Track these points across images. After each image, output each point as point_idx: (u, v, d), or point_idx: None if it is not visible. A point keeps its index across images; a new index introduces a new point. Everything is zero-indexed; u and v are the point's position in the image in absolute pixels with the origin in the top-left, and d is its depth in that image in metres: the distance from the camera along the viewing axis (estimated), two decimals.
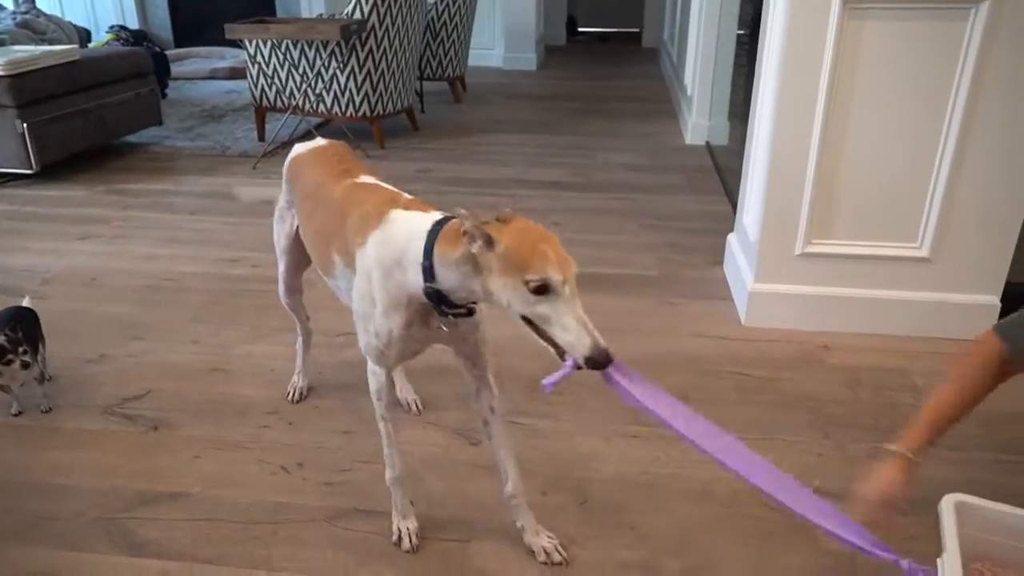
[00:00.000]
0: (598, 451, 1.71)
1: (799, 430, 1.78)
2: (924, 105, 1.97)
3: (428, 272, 1.13)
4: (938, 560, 1.01)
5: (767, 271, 2.21)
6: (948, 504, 1.09)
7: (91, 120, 3.88)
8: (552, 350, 1.08)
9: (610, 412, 1.84)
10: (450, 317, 1.19)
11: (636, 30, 9.54)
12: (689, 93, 4.58)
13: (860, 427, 1.78)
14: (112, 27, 7.06)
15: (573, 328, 1.03)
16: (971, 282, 2.14)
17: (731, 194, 3.39)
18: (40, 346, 1.90)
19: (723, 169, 3.82)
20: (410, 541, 1.42)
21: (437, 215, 1.19)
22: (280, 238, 1.75)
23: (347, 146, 1.66)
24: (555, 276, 1.02)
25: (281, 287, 1.82)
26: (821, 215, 2.11)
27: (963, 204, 2.04)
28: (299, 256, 1.72)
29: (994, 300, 2.14)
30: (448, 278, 1.12)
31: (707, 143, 4.36)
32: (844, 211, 2.10)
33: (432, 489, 1.59)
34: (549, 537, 1.41)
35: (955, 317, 2.15)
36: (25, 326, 1.83)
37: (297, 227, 1.66)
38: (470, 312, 1.22)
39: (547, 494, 1.56)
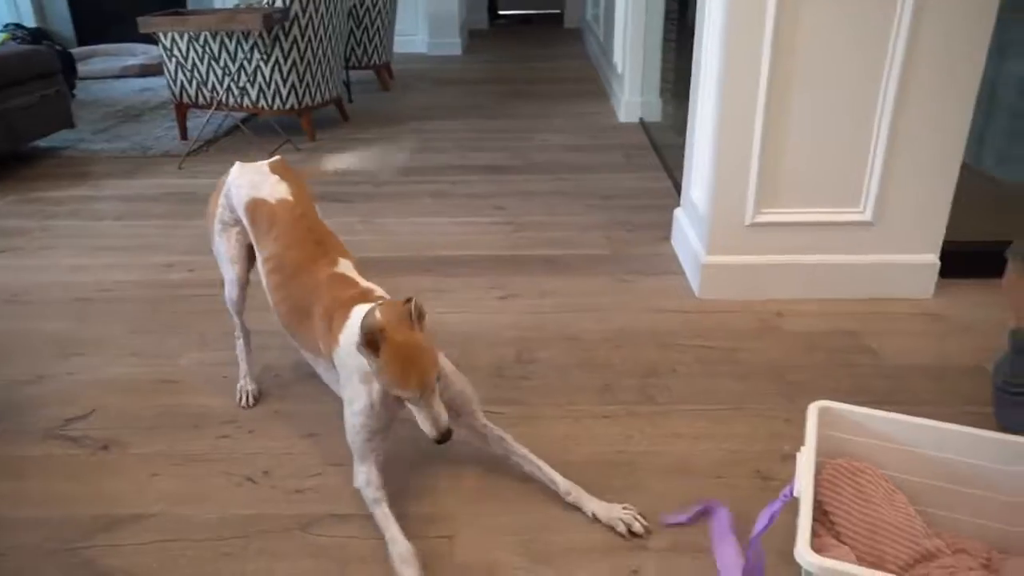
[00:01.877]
0: (571, 433, 1.69)
1: (765, 398, 1.80)
2: (862, 74, 2.01)
3: None
4: (796, 454, 1.06)
5: (718, 243, 2.23)
6: (813, 408, 1.19)
7: None
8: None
9: (577, 394, 1.83)
10: None
11: (557, 11, 9.55)
12: (620, 71, 4.60)
13: (822, 390, 1.81)
14: (7, 25, 6.64)
15: (425, 424, 1.26)
16: (912, 243, 2.20)
17: (670, 170, 3.42)
18: None
19: (660, 145, 3.85)
20: None
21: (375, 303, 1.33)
22: (227, 250, 1.74)
23: (298, 182, 1.70)
24: (410, 395, 1.24)
25: (233, 292, 1.76)
26: (768, 185, 2.14)
27: (901, 169, 2.10)
28: (249, 267, 1.77)
29: (933, 259, 2.21)
30: None
31: (641, 120, 4.39)
32: (790, 180, 2.14)
33: (412, 485, 1.54)
34: (625, 508, 1.42)
35: (899, 277, 2.22)
36: None
37: (248, 245, 1.73)
38: None
39: (526, 481, 1.54)
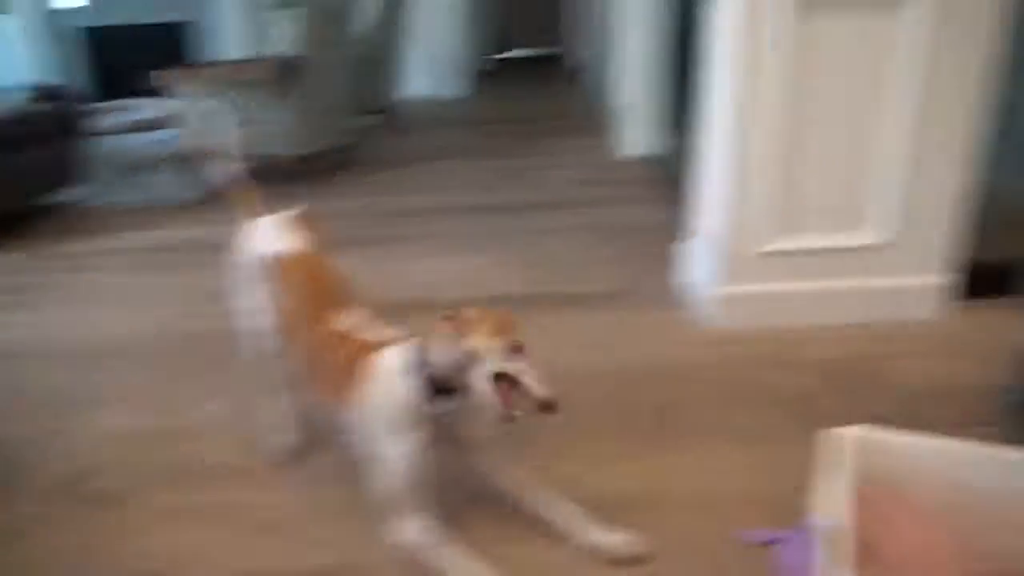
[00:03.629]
0: (587, 470, 1.66)
1: (785, 428, 1.77)
2: (871, 98, 2.02)
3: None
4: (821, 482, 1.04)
5: (730, 273, 2.22)
6: (840, 434, 1.14)
7: (4, 182, 3.69)
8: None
9: (593, 431, 1.80)
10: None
11: (558, 51, 9.69)
12: (622, 107, 4.63)
13: (843, 417, 1.77)
14: (26, 84, 6.80)
15: (532, 384, 1.23)
16: (930, 264, 2.18)
17: (675, 202, 3.42)
18: None
19: (664, 178, 3.86)
20: None
21: (405, 348, 1.37)
22: (248, 302, 1.71)
23: (319, 239, 1.69)
24: (504, 343, 1.25)
25: (257, 343, 1.74)
26: (780, 213, 2.13)
27: (917, 191, 2.09)
28: (269, 319, 1.69)
29: (948, 280, 2.19)
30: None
31: (644, 154, 4.41)
32: (802, 207, 2.13)
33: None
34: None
35: (912, 300, 2.20)
36: None
37: (268, 296, 1.67)
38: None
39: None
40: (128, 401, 2.09)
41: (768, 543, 1.37)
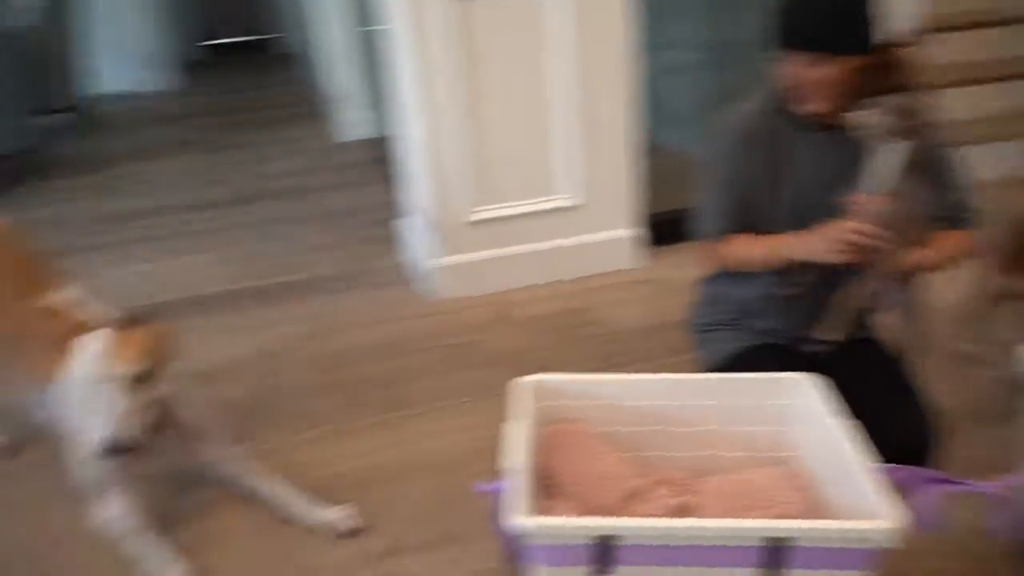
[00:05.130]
0: (313, 455, 1.66)
1: (505, 383, 1.88)
2: (536, 78, 2.20)
3: None
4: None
5: (444, 245, 2.31)
6: (516, 384, 1.23)
7: None
8: None
9: (318, 415, 1.80)
10: None
11: (270, 36, 9.31)
12: (332, 92, 4.58)
13: (556, 366, 1.92)
14: None
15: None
16: (616, 220, 2.44)
17: (393, 182, 3.46)
18: None
19: (381, 160, 3.88)
20: None
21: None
22: None
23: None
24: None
25: None
26: (479, 184, 2.26)
27: (595, 157, 2.32)
28: None
29: (636, 232, 2.46)
30: None
31: (359, 138, 4.39)
32: (498, 177, 2.27)
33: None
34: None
35: (608, 253, 2.45)
36: None
37: None
38: None
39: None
40: None
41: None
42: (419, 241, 2.47)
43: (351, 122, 4.40)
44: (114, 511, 1.35)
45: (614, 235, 2.45)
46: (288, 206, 3.34)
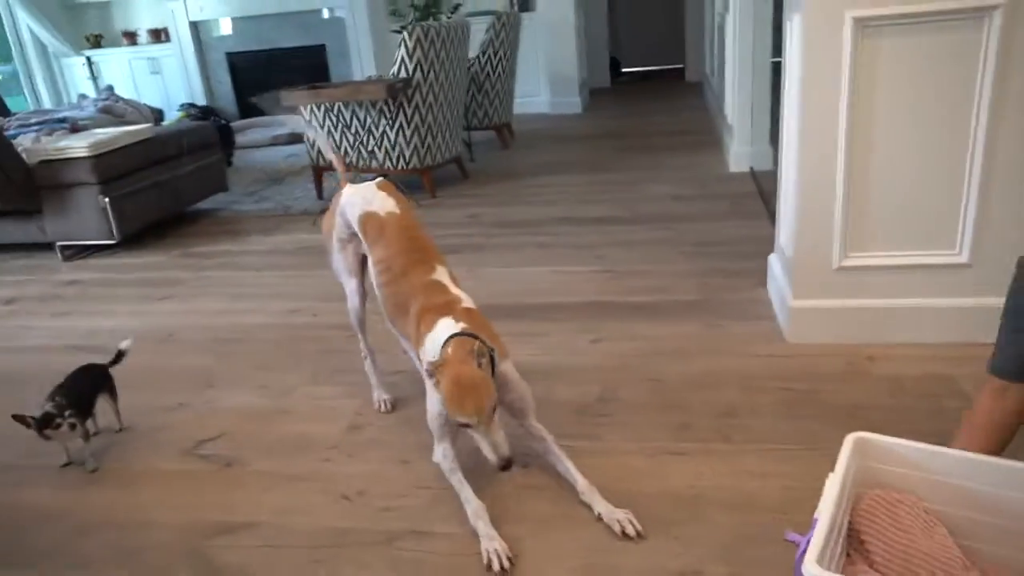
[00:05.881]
0: (642, 467, 1.76)
1: (840, 438, 1.79)
2: (949, 112, 2.00)
3: None
4: (826, 480, 1.07)
5: (806, 287, 2.24)
6: (848, 440, 1.22)
7: (165, 191, 4.18)
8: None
9: (653, 431, 1.90)
10: None
11: (679, 66, 9.66)
12: (730, 122, 4.64)
13: (902, 432, 1.78)
14: (182, 105, 7.56)
15: (486, 450, 1.45)
16: (1004, 285, 2.12)
17: (774, 217, 3.41)
18: (106, 402, 2.09)
19: (766, 193, 3.85)
20: (499, 562, 1.48)
21: (456, 327, 1.57)
22: (346, 263, 2.01)
23: (403, 199, 1.94)
24: (466, 419, 1.43)
25: (355, 302, 2.03)
26: (855, 229, 2.14)
27: (997, 207, 2.05)
28: (364, 278, 2.02)
29: None
30: None
31: (751, 169, 4.40)
32: (878, 223, 2.13)
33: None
34: (625, 512, 1.56)
35: (992, 320, 2.14)
36: (81, 386, 2.00)
37: (362, 257, 1.98)
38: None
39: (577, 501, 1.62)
40: (243, 382, 2.38)
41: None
42: (782, 280, 2.43)
43: (744, 152, 4.43)
44: (444, 453, 1.66)
45: (1000, 302, 2.13)
46: (667, 230, 3.50)
